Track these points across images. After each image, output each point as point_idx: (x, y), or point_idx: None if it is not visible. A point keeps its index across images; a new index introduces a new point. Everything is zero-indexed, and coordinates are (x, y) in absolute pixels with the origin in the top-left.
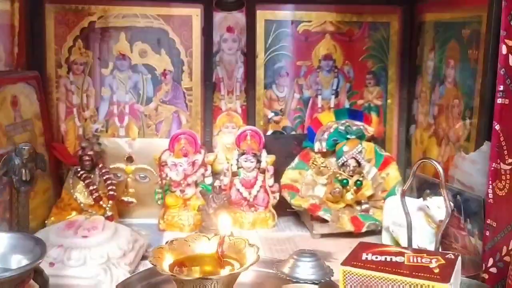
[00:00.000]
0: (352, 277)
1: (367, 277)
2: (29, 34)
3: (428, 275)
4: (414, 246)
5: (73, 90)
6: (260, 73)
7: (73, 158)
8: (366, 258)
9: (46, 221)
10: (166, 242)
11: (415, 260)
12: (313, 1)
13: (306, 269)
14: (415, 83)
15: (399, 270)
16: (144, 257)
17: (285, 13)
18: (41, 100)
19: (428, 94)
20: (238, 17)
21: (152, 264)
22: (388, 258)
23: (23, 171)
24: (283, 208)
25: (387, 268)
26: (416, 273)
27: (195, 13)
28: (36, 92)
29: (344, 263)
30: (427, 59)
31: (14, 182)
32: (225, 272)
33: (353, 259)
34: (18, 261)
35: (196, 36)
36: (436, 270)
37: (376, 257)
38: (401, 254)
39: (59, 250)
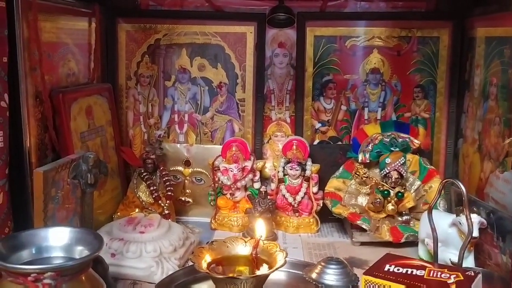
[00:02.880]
0: (373, 286)
1: (384, 286)
2: (103, 50)
3: None
4: (447, 260)
5: (140, 100)
6: (308, 85)
7: (139, 160)
8: (389, 269)
9: (113, 216)
10: (207, 243)
11: (434, 275)
12: (361, 17)
13: (332, 276)
14: (464, 98)
15: (415, 283)
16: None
17: (334, 29)
18: (112, 109)
19: (475, 109)
20: (289, 33)
21: (192, 262)
22: (409, 271)
23: (89, 175)
24: (327, 215)
25: (405, 280)
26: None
27: (249, 30)
28: (108, 102)
29: (367, 272)
30: (474, 74)
31: (81, 185)
32: (253, 273)
33: (375, 269)
34: (80, 252)
35: (249, 52)
36: (453, 286)
37: (398, 269)
38: (423, 268)
39: (120, 243)
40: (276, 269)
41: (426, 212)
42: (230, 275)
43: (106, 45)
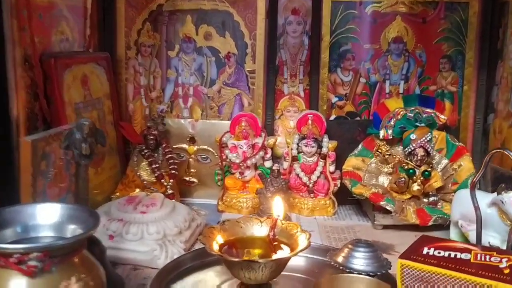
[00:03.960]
0: (411, 271)
1: (427, 273)
2: (100, 16)
3: (496, 275)
4: (486, 244)
5: (141, 71)
6: (324, 56)
7: (139, 137)
8: (428, 252)
9: (112, 196)
10: (218, 222)
11: (482, 259)
12: None
13: (361, 260)
14: (496, 68)
15: (464, 268)
16: None
17: None
18: (110, 80)
19: (510, 80)
20: None
21: (202, 243)
22: (452, 254)
23: (83, 145)
24: (344, 196)
25: (450, 265)
26: (483, 273)
27: None
28: (106, 73)
29: (403, 256)
30: (509, 42)
31: (74, 156)
32: (273, 256)
33: (412, 253)
34: (73, 231)
35: (260, 19)
36: (507, 271)
37: (439, 252)
38: (468, 251)
39: (119, 224)
40: (300, 251)
41: (460, 191)
42: (246, 257)
43: (103, 11)
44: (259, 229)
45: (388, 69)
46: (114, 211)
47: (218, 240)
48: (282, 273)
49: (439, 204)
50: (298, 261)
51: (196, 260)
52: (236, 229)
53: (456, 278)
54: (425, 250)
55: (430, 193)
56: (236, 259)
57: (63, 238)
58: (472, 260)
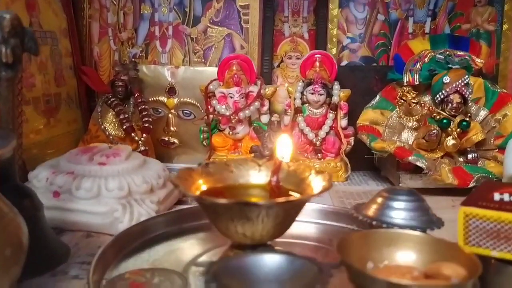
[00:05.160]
0: (480, 223)
1: (506, 225)
2: None
3: None
4: None
5: (108, 6)
6: None
7: (106, 85)
8: (502, 198)
9: None
10: (200, 164)
11: None
12: None
13: (402, 212)
14: None
15: None
16: (180, 202)
17: None
18: (69, 14)
19: None
20: None
21: (174, 184)
22: None
23: (3, 49)
24: (357, 160)
25: None
26: None
27: None
28: (64, 4)
29: (468, 202)
30: None
31: None
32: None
33: (480, 199)
34: None
35: None
36: None
37: None
38: None
39: (68, 178)
40: (321, 192)
41: None
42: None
43: None
44: (256, 175)
45: (411, 4)
46: (64, 163)
47: (199, 186)
48: (286, 240)
49: (479, 162)
50: (305, 228)
51: (172, 225)
52: (224, 174)
53: None
54: (497, 196)
55: (468, 149)
56: (224, 201)
57: None
58: None
